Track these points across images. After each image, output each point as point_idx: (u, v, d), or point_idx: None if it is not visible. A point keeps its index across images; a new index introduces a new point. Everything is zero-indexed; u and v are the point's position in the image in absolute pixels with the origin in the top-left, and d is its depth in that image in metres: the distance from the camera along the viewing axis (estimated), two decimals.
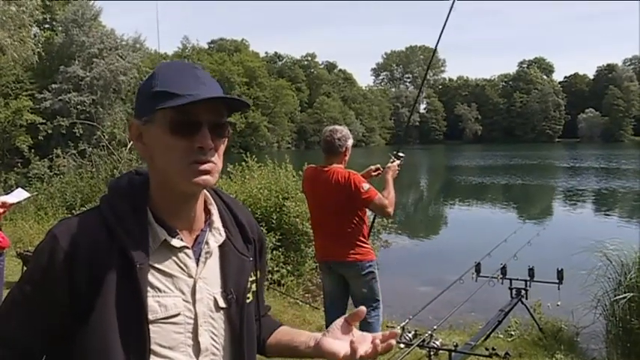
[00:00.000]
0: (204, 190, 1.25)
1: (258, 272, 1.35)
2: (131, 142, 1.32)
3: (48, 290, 1.13)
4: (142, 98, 1.19)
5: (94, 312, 1.10)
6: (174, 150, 1.13)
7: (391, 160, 4.38)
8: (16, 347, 1.15)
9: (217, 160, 1.17)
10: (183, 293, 1.18)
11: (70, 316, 1.12)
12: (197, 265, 1.21)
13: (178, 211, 1.20)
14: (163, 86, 1.14)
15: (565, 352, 4.93)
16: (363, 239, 4.13)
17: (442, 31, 5.01)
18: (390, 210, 4.08)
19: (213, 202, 1.29)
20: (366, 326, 3.86)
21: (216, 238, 1.25)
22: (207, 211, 1.28)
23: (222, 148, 1.19)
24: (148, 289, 1.13)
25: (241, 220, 1.33)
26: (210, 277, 1.23)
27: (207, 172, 1.15)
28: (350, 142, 4.20)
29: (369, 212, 4.24)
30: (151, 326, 1.12)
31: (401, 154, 4.46)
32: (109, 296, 1.10)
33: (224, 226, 1.28)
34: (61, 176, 12.81)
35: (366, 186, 4.00)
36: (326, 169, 4.13)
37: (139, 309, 1.11)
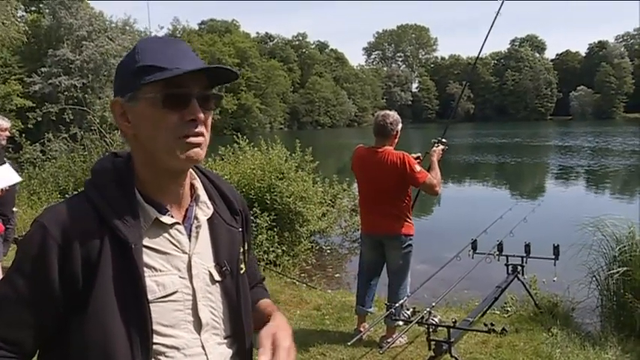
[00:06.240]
0: None
1: (246, 244, 1.34)
2: None
3: (39, 282, 1.09)
4: (125, 75, 1.15)
5: (91, 299, 1.07)
6: (164, 124, 1.10)
7: (436, 145, 4.82)
8: (6, 342, 1.10)
9: (206, 133, 1.16)
10: (179, 270, 1.17)
11: (63, 308, 1.09)
12: (189, 240, 1.20)
13: (166, 188, 1.18)
14: (148, 60, 1.10)
15: (561, 327, 4.96)
16: (409, 214, 4.55)
17: (487, 35, 5.50)
18: (438, 189, 4.54)
19: (196, 176, 1.28)
20: (393, 296, 4.44)
21: (204, 211, 1.24)
22: (192, 186, 1.26)
23: (210, 120, 1.18)
24: (145, 269, 1.11)
25: (226, 193, 1.32)
26: (203, 251, 1.22)
27: (197, 145, 1.13)
28: (400, 126, 4.58)
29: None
30: (150, 306, 1.10)
31: (444, 140, 4.86)
32: (106, 281, 1.08)
33: (210, 199, 1.27)
34: (53, 161, 12.67)
35: (418, 167, 4.43)
36: (380, 150, 4.50)
37: (138, 290, 1.09)
